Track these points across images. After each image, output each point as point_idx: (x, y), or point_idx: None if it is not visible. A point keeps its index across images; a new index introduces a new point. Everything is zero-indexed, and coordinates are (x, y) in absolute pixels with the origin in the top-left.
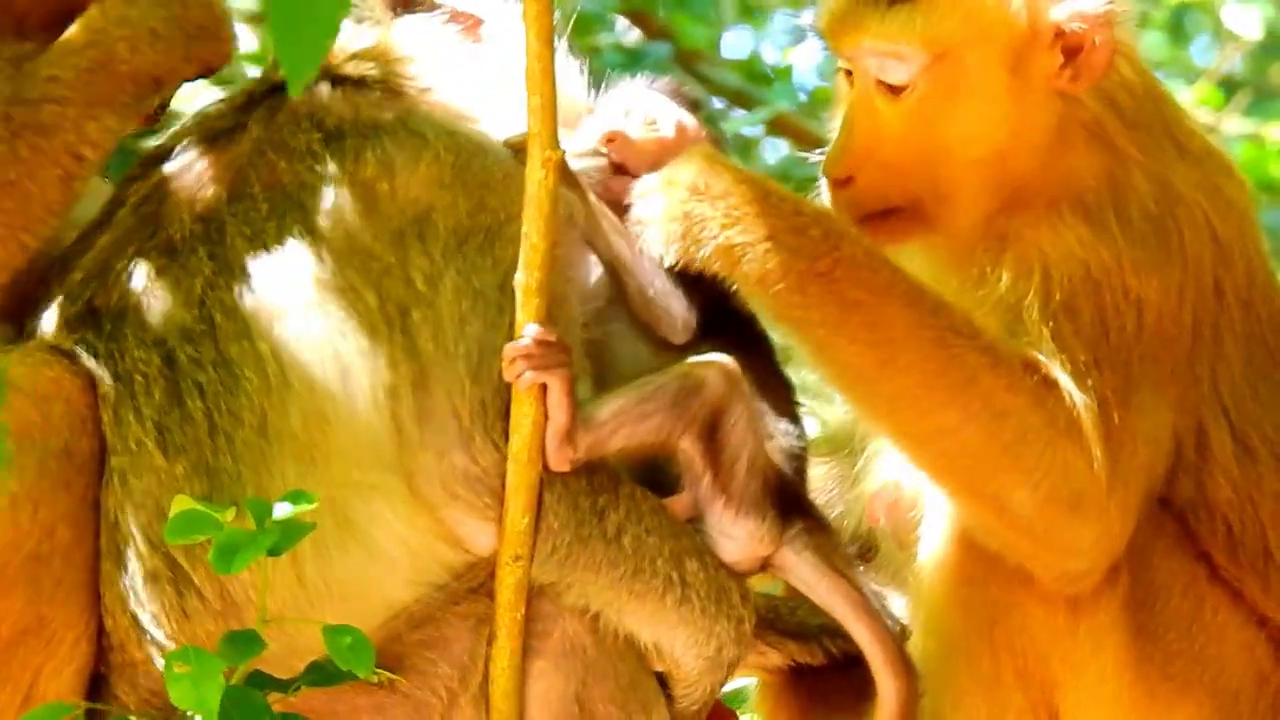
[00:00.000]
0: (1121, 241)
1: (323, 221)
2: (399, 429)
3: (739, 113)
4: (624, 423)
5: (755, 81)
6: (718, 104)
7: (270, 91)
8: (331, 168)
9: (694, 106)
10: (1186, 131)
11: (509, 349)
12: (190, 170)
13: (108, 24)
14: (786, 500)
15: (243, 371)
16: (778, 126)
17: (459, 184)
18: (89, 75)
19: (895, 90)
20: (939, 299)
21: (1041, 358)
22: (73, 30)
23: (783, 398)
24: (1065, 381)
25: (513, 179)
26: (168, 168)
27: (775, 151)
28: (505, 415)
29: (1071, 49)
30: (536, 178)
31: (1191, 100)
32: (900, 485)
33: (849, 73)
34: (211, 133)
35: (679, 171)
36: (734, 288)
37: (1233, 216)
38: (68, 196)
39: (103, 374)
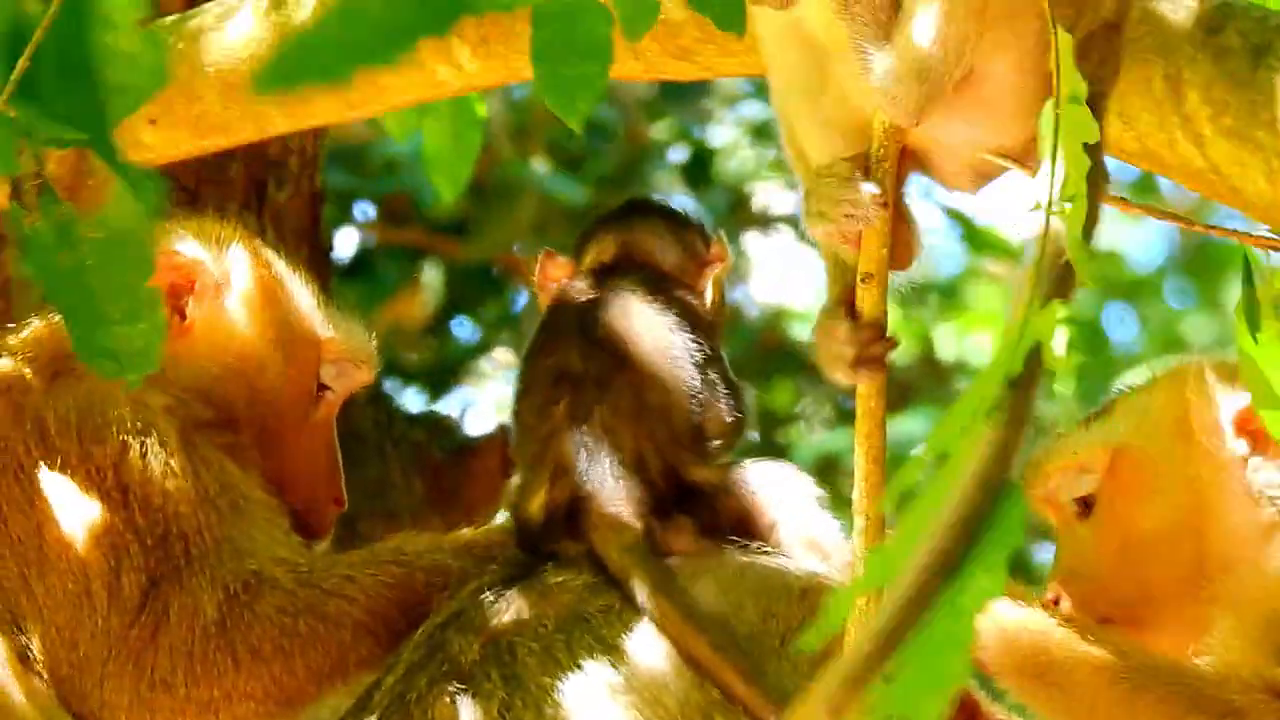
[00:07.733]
0: None
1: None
2: None
3: None
4: None
5: None
6: None
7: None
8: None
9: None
10: None
11: None
12: (475, 611)
13: (418, 551)
14: None
15: None
16: None
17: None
18: (386, 588)
19: (1086, 506)
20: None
21: None
22: (387, 542)
23: None
24: None
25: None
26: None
27: None
28: None
29: (1258, 438)
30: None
31: None
32: None
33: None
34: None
35: None
36: None
37: None
38: (322, 690)
39: None
